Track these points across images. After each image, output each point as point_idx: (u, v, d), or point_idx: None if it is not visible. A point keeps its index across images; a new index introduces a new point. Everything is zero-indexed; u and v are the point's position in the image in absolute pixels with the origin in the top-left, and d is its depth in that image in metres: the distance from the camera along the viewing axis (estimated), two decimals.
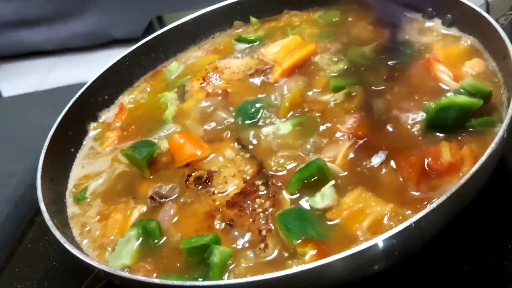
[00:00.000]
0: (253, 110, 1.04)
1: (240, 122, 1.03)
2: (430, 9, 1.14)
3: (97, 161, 1.08)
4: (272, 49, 1.18)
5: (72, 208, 0.98)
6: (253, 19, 1.37)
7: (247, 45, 1.29)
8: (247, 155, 0.94)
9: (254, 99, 1.07)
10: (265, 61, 1.16)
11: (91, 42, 3.86)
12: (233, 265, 0.77)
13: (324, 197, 0.81)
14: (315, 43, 1.16)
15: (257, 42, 1.28)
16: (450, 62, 0.99)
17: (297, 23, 1.31)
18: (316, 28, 1.27)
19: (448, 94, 0.89)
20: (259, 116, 1.03)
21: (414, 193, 0.79)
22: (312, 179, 0.84)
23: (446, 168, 0.80)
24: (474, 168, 0.70)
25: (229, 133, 1.01)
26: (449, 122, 0.85)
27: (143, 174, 0.98)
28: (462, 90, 0.87)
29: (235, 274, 0.76)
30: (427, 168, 0.81)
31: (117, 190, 0.99)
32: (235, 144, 0.97)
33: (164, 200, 0.91)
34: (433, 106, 0.86)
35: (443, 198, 0.67)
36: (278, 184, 0.87)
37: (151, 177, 0.97)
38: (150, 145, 1.02)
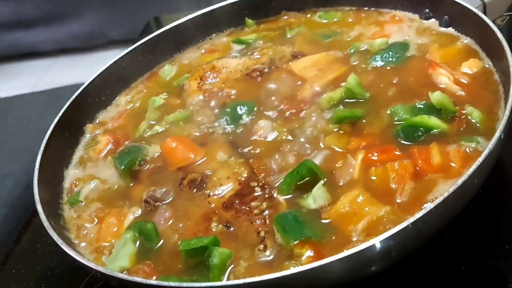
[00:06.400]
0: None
1: (228, 124, 1.03)
2: (427, 10, 1.14)
3: (91, 165, 1.07)
4: (302, 63, 1.10)
5: (67, 212, 0.97)
6: (249, 21, 1.37)
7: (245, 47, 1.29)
8: (240, 158, 0.93)
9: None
10: (298, 75, 1.08)
11: (88, 43, 3.85)
12: (232, 265, 0.77)
13: (316, 198, 0.81)
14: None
15: (256, 45, 1.28)
16: (447, 63, 0.99)
17: (295, 25, 1.31)
18: (316, 28, 1.27)
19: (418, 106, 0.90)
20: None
21: (408, 194, 0.79)
22: (304, 181, 0.84)
23: (437, 169, 0.80)
24: (471, 169, 0.70)
25: (221, 135, 1.01)
26: (414, 135, 0.87)
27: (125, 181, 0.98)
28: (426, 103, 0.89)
29: (234, 275, 0.76)
30: (418, 169, 0.81)
31: (110, 193, 0.98)
32: (228, 146, 0.97)
33: (158, 203, 0.91)
34: (404, 121, 0.88)
35: (440, 199, 0.67)
36: (274, 185, 0.86)
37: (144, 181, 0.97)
38: (135, 151, 1.01)
